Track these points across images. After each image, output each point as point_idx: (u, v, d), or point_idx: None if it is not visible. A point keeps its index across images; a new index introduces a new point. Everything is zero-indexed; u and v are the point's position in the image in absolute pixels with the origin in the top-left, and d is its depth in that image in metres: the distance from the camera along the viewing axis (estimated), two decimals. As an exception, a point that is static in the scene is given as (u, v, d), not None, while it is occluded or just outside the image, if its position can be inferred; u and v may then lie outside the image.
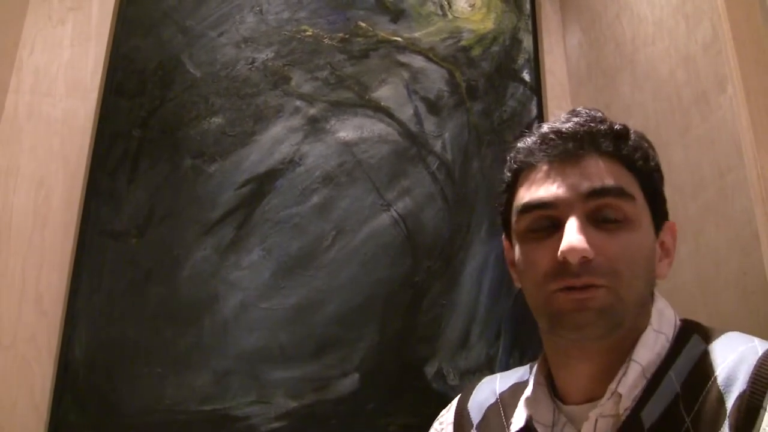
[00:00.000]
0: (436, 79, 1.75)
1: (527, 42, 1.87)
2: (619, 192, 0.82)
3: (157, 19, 1.67)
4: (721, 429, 0.71)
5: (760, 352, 0.75)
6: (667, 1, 1.39)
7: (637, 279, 0.81)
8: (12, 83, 1.56)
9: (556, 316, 0.82)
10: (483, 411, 1.01)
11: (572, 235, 0.79)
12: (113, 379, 1.40)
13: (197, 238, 1.51)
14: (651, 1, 1.46)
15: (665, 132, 1.37)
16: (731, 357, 0.76)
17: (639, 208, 0.84)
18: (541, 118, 1.78)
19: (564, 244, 0.79)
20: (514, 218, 0.90)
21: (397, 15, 1.78)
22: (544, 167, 0.87)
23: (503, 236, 0.98)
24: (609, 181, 0.82)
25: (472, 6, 1.85)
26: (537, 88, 1.83)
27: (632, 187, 0.84)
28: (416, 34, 1.77)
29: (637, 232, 0.82)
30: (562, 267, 0.80)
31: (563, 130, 0.86)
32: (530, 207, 0.86)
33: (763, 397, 0.70)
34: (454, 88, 1.75)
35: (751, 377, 0.72)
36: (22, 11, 1.62)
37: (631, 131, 0.88)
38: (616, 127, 0.87)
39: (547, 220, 0.84)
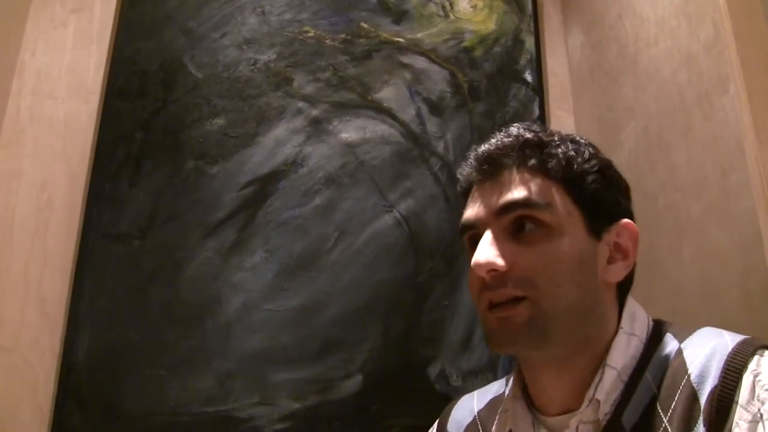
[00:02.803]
0: (438, 80, 1.75)
1: (529, 43, 1.87)
2: (526, 203, 0.83)
3: (158, 21, 1.67)
4: (696, 426, 0.72)
5: (730, 347, 0.75)
6: (669, 1, 1.39)
7: (560, 287, 0.81)
8: (14, 86, 1.56)
9: (486, 332, 0.86)
10: (461, 430, 1.02)
11: (479, 250, 0.82)
12: (116, 381, 1.40)
13: (200, 240, 1.51)
14: (653, 1, 1.46)
15: (668, 132, 1.37)
16: (703, 353, 0.77)
17: (560, 214, 0.84)
18: (543, 118, 1.79)
19: (472, 260, 0.82)
20: None
21: (399, 16, 1.78)
22: (474, 190, 0.91)
23: None
24: (517, 194, 0.84)
25: (474, 7, 1.85)
26: (539, 89, 1.83)
27: (546, 193, 0.84)
28: (418, 35, 1.77)
29: (558, 239, 0.83)
30: (483, 282, 0.83)
31: (482, 151, 0.91)
32: (462, 229, 0.91)
33: (734, 392, 0.71)
34: (456, 89, 1.75)
35: (721, 372, 0.73)
36: (24, 14, 1.62)
37: (554, 139, 0.90)
38: (527, 137, 0.89)
39: (474, 239, 0.87)
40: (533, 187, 0.85)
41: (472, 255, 0.86)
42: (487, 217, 0.85)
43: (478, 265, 0.81)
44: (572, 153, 0.88)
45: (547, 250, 0.82)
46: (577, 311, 0.82)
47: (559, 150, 0.87)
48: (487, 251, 0.81)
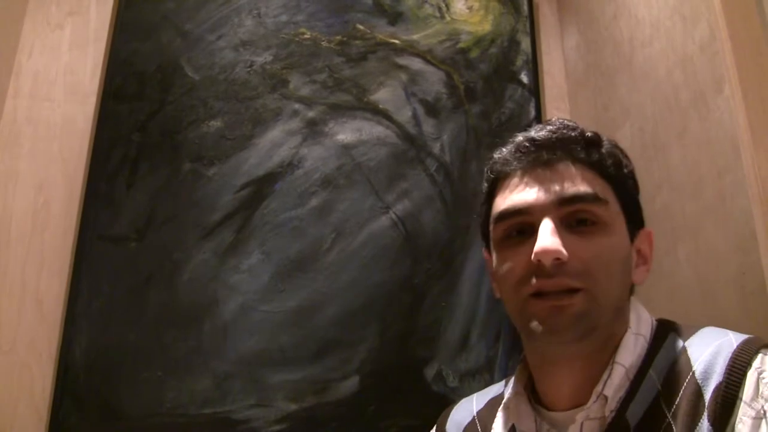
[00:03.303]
0: (434, 81, 1.75)
1: (525, 44, 1.87)
2: (592, 197, 0.84)
3: (155, 23, 1.67)
4: (700, 421, 0.73)
5: (735, 345, 0.77)
6: (664, 2, 1.40)
7: (613, 282, 0.83)
8: (11, 88, 1.57)
9: (533, 321, 0.83)
10: (461, 430, 1.03)
11: (545, 237, 0.80)
12: (113, 382, 1.40)
13: (197, 242, 1.51)
14: (648, 2, 1.46)
15: (663, 133, 1.37)
16: (708, 351, 0.78)
17: (613, 213, 0.85)
18: (539, 119, 1.78)
19: (537, 246, 0.80)
20: (491, 227, 0.92)
21: (395, 17, 1.78)
22: (519, 175, 0.88)
23: (483, 249, 0.99)
24: (582, 187, 0.84)
25: (470, 8, 1.85)
26: (535, 90, 1.83)
27: (606, 192, 0.86)
28: (414, 37, 1.77)
29: (611, 236, 0.84)
30: (537, 269, 0.81)
31: (536, 138, 0.88)
32: (506, 215, 0.87)
33: (739, 388, 0.72)
34: (453, 90, 1.75)
35: (726, 369, 0.74)
36: (20, 16, 1.62)
37: (604, 139, 0.90)
38: (588, 134, 0.89)
39: (522, 226, 0.86)
40: (595, 182, 0.86)
41: (510, 242, 0.87)
42: (546, 205, 0.84)
43: (546, 252, 0.79)
44: (619, 155, 0.90)
45: (604, 245, 0.83)
46: (618, 308, 0.85)
47: (610, 150, 0.89)
48: (552, 238, 0.80)
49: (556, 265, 0.80)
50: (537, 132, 0.89)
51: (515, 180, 0.88)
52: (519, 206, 0.86)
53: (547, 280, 0.81)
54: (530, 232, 0.84)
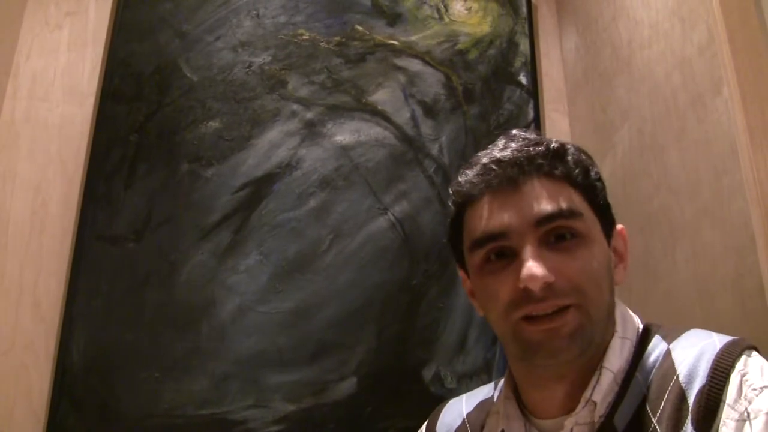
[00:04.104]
0: (432, 82, 1.75)
1: (524, 45, 1.87)
2: (567, 213, 0.82)
3: (153, 24, 1.67)
4: (684, 425, 0.73)
5: (719, 347, 0.76)
6: (663, 4, 1.40)
7: (601, 292, 0.82)
8: (9, 88, 1.57)
9: (527, 345, 0.82)
10: None
11: (530, 264, 0.79)
12: (111, 384, 1.40)
13: (194, 243, 1.51)
14: (647, 4, 1.46)
15: (661, 135, 1.38)
16: (692, 354, 0.78)
17: (589, 223, 0.84)
18: (537, 121, 1.78)
19: (524, 273, 0.79)
20: (467, 253, 0.90)
21: (394, 19, 1.78)
22: (488, 198, 0.86)
23: (458, 266, 0.98)
24: (556, 205, 0.82)
25: (469, 9, 1.85)
26: (534, 92, 1.82)
27: (578, 203, 0.85)
28: (413, 38, 1.77)
29: (591, 247, 0.83)
30: (525, 295, 0.80)
31: (501, 158, 0.86)
32: (483, 241, 0.85)
33: (722, 391, 0.72)
34: (451, 92, 1.75)
35: (710, 372, 0.74)
36: (18, 16, 1.62)
37: (569, 146, 0.89)
38: (553, 146, 0.87)
39: (500, 250, 0.84)
40: (567, 196, 0.84)
41: (491, 267, 0.85)
42: (523, 228, 0.82)
43: (535, 279, 0.78)
44: (585, 161, 0.89)
45: (586, 257, 0.82)
46: (609, 315, 0.84)
47: (576, 158, 0.88)
48: (536, 264, 0.79)
49: (544, 288, 0.79)
50: (501, 151, 0.87)
51: (485, 203, 0.86)
52: (495, 231, 0.84)
53: (537, 305, 0.79)
54: (510, 254, 0.83)
